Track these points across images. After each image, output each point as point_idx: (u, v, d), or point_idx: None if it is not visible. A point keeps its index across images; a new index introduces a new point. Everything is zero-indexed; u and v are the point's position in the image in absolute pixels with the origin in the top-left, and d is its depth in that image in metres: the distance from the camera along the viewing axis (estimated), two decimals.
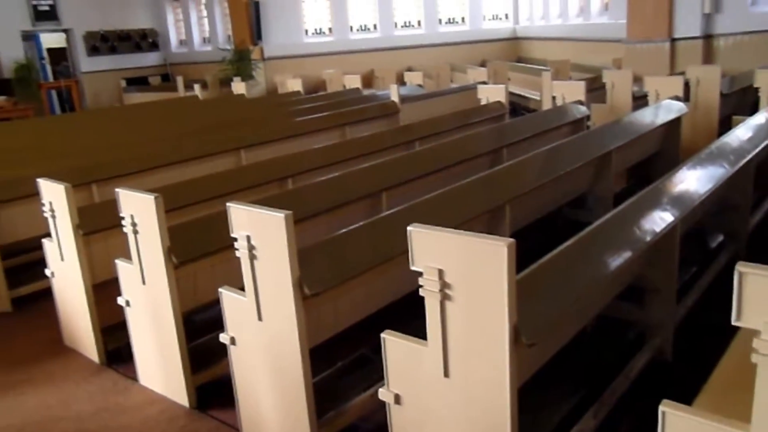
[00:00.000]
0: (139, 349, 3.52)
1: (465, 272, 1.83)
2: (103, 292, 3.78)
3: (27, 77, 13.57)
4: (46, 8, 14.42)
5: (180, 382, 3.28)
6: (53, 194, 3.67)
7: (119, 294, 3.48)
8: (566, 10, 13.08)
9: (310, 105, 8.54)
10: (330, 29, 14.66)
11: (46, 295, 4.33)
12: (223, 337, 2.88)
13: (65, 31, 15.07)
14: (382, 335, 2.15)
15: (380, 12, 14.62)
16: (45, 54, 15.26)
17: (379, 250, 2.92)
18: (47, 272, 3.98)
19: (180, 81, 12.80)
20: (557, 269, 2.28)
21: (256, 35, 13.75)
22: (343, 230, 2.97)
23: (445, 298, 1.89)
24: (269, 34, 14.02)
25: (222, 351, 3.02)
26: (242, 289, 2.78)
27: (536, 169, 4.04)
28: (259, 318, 2.67)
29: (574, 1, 12.98)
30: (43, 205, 3.76)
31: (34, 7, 14.25)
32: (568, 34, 12.87)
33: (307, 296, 2.53)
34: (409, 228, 1.96)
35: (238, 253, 2.65)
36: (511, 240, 1.73)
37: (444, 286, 1.88)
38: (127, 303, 3.44)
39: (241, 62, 13.27)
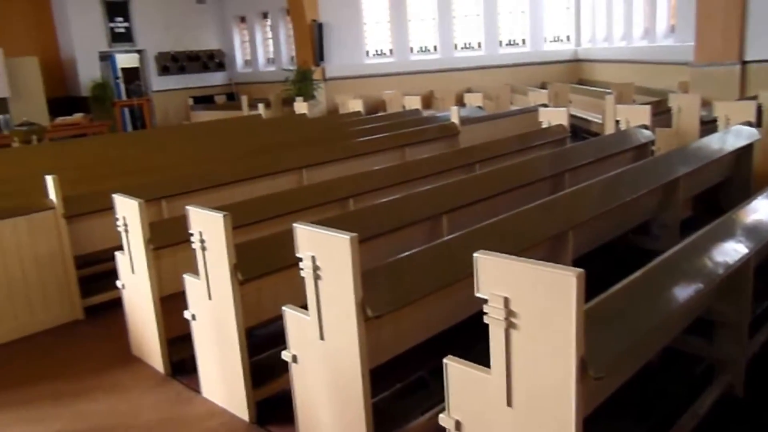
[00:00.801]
0: (202, 361, 3.61)
1: (532, 301, 1.83)
2: (170, 305, 3.91)
3: (102, 95, 14.27)
4: (122, 30, 15.20)
5: (241, 397, 3.35)
6: (127, 209, 3.84)
7: (185, 307, 3.59)
8: (630, 33, 12.87)
9: (370, 125, 8.65)
10: (390, 50, 14.84)
11: (116, 305, 4.51)
12: (285, 355, 2.93)
13: (139, 51, 15.84)
14: (445, 361, 2.15)
15: (440, 34, 14.72)
16: (119, 73, 16.03)
17: (441, 274, 2.93)
18: (118, 284, 4.15)
19: (244, 100, 13.17)
20: (626, 300, 2.24)
21: (319, 56, 14.04)
22: (406, 253, 3.00)
23: (510, 326, 1.89)
24: (331, 55, 14.30)
25: (282, 367, 3.07)
26: (304, 307, 2.84)
27: (600, 195, 3.99)
28: (321, 337, 2.71)
29: (639, 24, 12.77)
30: (117, 219, 3.93)
31: (112, 29, 15.06)
32: (631, 56, 12.65)
33: (369, 318, 2.56)
34: (475, 255, 1.97)
35: (302, 273, 2.71)
36: (580, 270, 1.72)
37: (509, 314, 1.88)
38: (193, 317, 3.54)
39: (303, 82, 13.56)
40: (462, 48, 15.11)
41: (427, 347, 3.05)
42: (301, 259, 2.72)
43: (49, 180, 4.68)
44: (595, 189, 4.10)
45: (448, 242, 3.24)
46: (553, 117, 7.18)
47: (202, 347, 3.58)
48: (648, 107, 6.48)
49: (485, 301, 1.95)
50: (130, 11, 15.31)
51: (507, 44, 15.20)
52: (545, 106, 9.15)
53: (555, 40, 15.42)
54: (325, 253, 2.60)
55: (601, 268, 3.54)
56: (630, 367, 2.42)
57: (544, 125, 7.18)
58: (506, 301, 1.87)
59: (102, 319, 4.81)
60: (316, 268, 2.64)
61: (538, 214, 3.68)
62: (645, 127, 6.20)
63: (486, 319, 1.94)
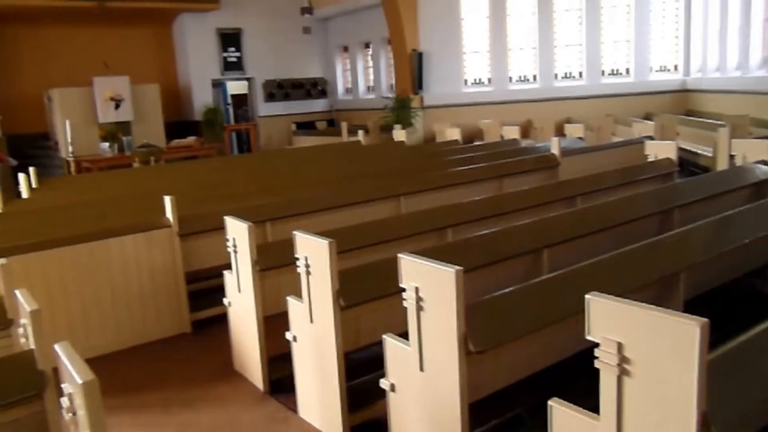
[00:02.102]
0: (300, 382, 3.71)
1: (648, 349, 1.77)
2: (272, 324, 4.06)
3: (213, 120, 15.12)
4: (234, 59, 16.10)
5: (337, 420, 3.41)
6: (237, 231, 4.03)
7: (287, 328, 3.71)
8: (746, 61, 12.23)
9: (467, 155, 8.65)
10: (489, 79, 14.81)
11: (220, 320, 4.73)
12: (383, 383, 2.97)
13: (248, 79, 16.68)
14: (550, 403, 2.11)
15: (540, 63, 14.56)
16: (229, 99, 16.95)
17: (545, 312, 2.89)
18: (225, 301, 4.34)
19: (344, 126, 13.52)
20: (754, 351, 2.12)
21: (417, 85, 14.22)
22: (509, 289, 2.98)
23: (623, 373, 1.84)
24: (430, 83, 14.45)
25: (379, 394, 3.11)
26: (402, 335, 2.87)
27: (715, 236, 3.80)
28: (421, 369, 2.73)
29: (757, 52, 12.11)
30: (227, 240, 4.13)
31: (225, 58, 16.00)
32: (747, 86, 12.00)
33: (471, 353, 2.56)
34: (587, 296, 1.93)
35: (405, 303, 2.75)
36: (704, 320, 1.66)
37: (623, 360, 1.83)
38: (294, 338, 3.66)
39: (401, 110, 13.77)
40: (562, 77, 14.87)
41: (526, 384, 3.00)
42: (403, 289, 2.76)
43: (167, 200, 4.99)
44: (709, 229, 3.92)
45: (551, 279, 3.19)
46: (661, 150, 6.93)
47: (301, 368, 3.68)
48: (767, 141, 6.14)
49: (596, 344, 1.91)
50: (242, 42, 16.19)
51: (609, 74, 14.83)
52: (650, 138, 8.84)
53: (661, 70, 14.89)
54: (428, 284, 2.63)
55: (715, 312, 3.38)
56: (756, 426, 2.28)
57: (651, 158, 6.93)
58: (620, 346, 1.83)
59: (207, 333, 5.04)
60: (419, 299, 2.68)
61: (647, 253, 3.56)
62: (764, 162, 5.87)
63: (597, 364, 1.90)
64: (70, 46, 14.57)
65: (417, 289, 2.68)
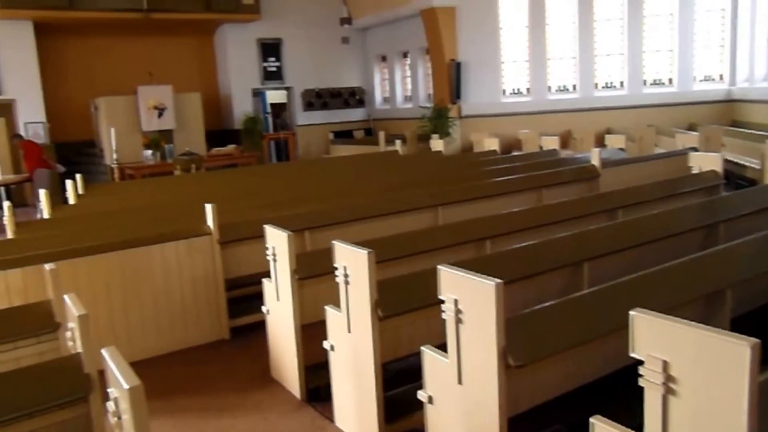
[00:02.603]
0: (337, 391, 3.73)
1: (695, 369, 1.73)
2: (309, 333, 4.08)
3: (253, 129, 15.35)
4: (274, 69, 16.34)
5: (373, 430, 3.41)
6: (277, 240, 4.07)
7: (324, 336, 3.73)
8: None
9: (505, 165, 8.60)
10: (528, 89, 14.71)
11: (258, 327, 4.78)
12: (421, 395, 2.96)
13: (287, 88, 16.89)
14: (592, 420, 2.08)
15: (581, 72, 14.40)
16: (269, 108, 17.19)
17: (586, 327, 2.85)
18: (263, 309, 4.39)
19: (382, 136, 13.57)
20: None
21: (455, 94, 14.21)
22: (550, 303, 2.95)
23: (668, 392, 1.80)
24: (468, 93, 14.42)
25: (416, 405, 3.10)
26: (439, 347, 2.86)
27: (763, 252, 3.70)
28: (459, 381, 2.72)
29: None
30: (266, 248, 4.18)
31: (265, 68, 16.25)
32: None
33: (510, 367, 2.54)
34: (631, 313, 1.90)
35: (444, 315, 2.74)
36: (755, 340, 1.61)
37: (668, 379, 1.79)
38: (332, 347, 3.67)
39: (439, 119, 13.76)
40: (602, 87, 14.69)
41: (566, 400, 2.96)
42: (442, 301, 2.75)
43: (209, 208, 5.07)
44: (756, 244, 3.82)
45: (593, 294, 3.14)
46: (705, 162, 6.77)
47: (338, 377, 3.69)
48: None
49: (640, 362, 1.88)
50: (282, 52, 16.42)
51: (652, 84, 14.59)
52: (695, 149, 8.66)
53: (705, 79, 14.59)
54: (468, 297, 2.62)
55: (763, 331, 3.28)
56: None
57: (695, 170, 6.79)
58: (665, 365, 1.79)
59: (245, 340, 5.10)
60: (458, 312, 2.67)
61: (691, 268, 3.48)
62: None
63: (641, 382, 1.86)
64: (115, 56, 14.96)
65: (456, 301, 2.67)
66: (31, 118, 13.48)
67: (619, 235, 4.54)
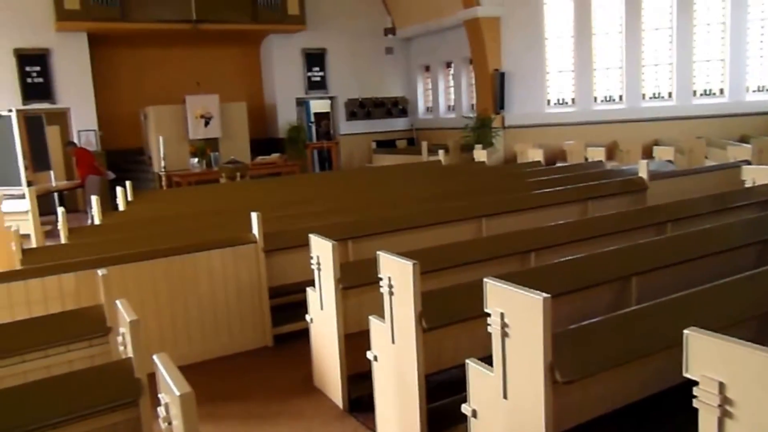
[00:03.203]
0: (380, 402, 3.72)
1: (754, 391, 1.68)
2: (352, 342, 4.10)
3: (296, 138, 15.55)
4: (318, 79, 16.54)
5: None
6: (321, 249, 4.11)
7: (367, 346, 3.73)
8: None
9: (550, 176, 8.50)
10: (573, 99, 14.54)
11: (301, 336, 4.82)
12: (465, 408, 2.93)
13: (330, 98, 17.07)
14: None
15: (627, 83, 14.16)
16: (312, 118, 17.39)
17: (636, 344, 2.79)
18: (307, 318, 4.42)
19: (424, 146, 13.59)
20: None
21: (499, 104, 14.14)
22: (599, 318, 2.90)
23: (725, 415, 1.75)
24: (511, 103, 14.33)
25: (460, 418, 3.07)
26: (485, 360, 2.83)
27: None
28: (505, 396, 2.69)
29: None
30: (311, 258, 4.22)
31: (309, 78, 16.46)
32: None
33: (558, 382, 2.50)
34: (686, 332, 1.86)
35: (489, 329, 2.71)
36: None
37: (725, 401, 1.74)
38: (375, 358, 3.67)
39: (482, 130, 13.71)
40: (650, 98, 14.41)
41: (612, 418, 2.90)
42: (488, 314, 2.73)
43: (254, 217, 5.15)
44: None
45: (643, 310, 3.07)
46: (759, 175, 6.58)
47: (381, 388, 3.69)
48: None
49: (694, 382, 1.83)
50: (326, 62, 16.61)
51: (701, 94, 14.24)
52: (748, 162, 8.41)
53: (759, 90, 14.17)
54: (515, 310, 2.59)
55: None
56: None
57: (748, 184, 6.59)
58: (721, 386, 1.74)
59: (288, 347, 5.14)
60: (504, 326, 2.64)
61: (744, 286, 3.38)
62: None
63: (696, 403, 1.81)
64: (165, 66, 15.36)
65: (502, 315, 2.64)
66: (84, 126, 13.93)
67: (668, 249, 4.43)
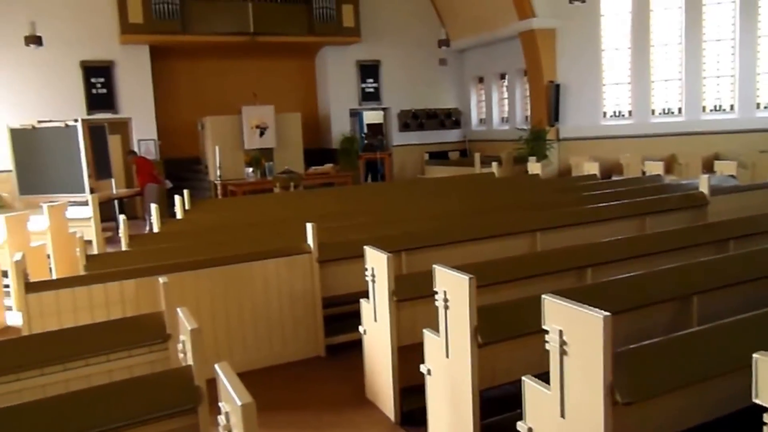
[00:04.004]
0: (433, 416, 3.70)
1: None
2: (405, 354, 4.10)
3: (349, 148, 15.69)
4: (372, 90, 16.69)
5: None
6: (376, 261, 4.13)
7: (420, 359, 3.72)
8: None
9: (606, 190, 8.33)
10: (630, 112, 14.24)
11: (353, 347, 4.84)
12: (521, 426, 2.89)
13: (384, 109, 17.20)
14: None
15: (687, 95, 13.79)
16: (365, 129, 17.53)
17: (700, 366, 2.70)
18: (360, 329, 4.45)
19: (477, 157, 13.52)
20: None
21: (554, 116, 13.98)
22: (661, 338, 2.82)
23: None
24: (566, 115, 14.15)
25: None
26: (541, 377, 2.79)
27: None
28: (562, 415, 2.64)
29: None
30: (366, 269, 4.24)
31: (363, 89, 16.63)
32: None
33: (618, 403, 2.44)
34: (755, 356, 1.79)
35: (547, 346, 2.68)
36: None
37: None
38: (429, 371, 3.66)
39: (536, 142, 13.56)
40: (711, 110, 13.99)
41: None
42: (546, 331, 2.69)
43: (309, 227, 5.21)
44: None
45: (707, 330, 2.98)
46: None
47: (434, 402, 3.67)
48: None
49: (764, 408, 1.76)
50: (380, 73, 16.75)
51: (765, 107, 13.74)
52: None
53: None
54: (574, 328, 2.55)
55: None
56: None
57: None
58: None
59: (340, 358, 5.17)
60: (562, 343, 2.60)
61: None
62: None
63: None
64: (222, 77, 15.75)
65: (561, 332, 2.60)
66: (144, 135, 14.40)
67: (731, 268, 4.29)
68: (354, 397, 4.49)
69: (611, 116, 14.36)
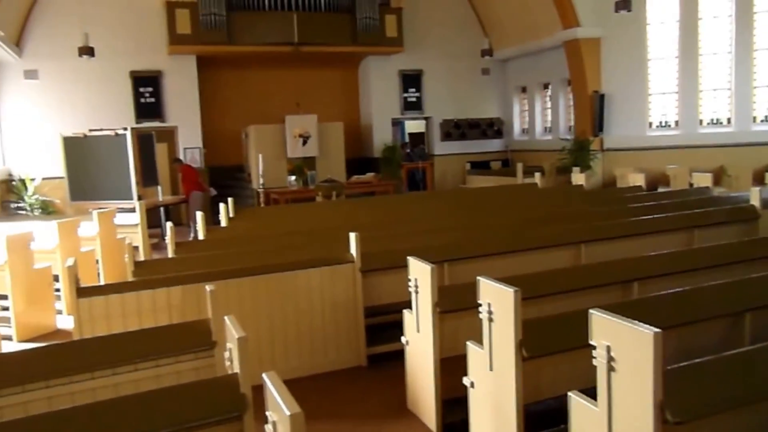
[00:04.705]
0: (475, 429, 3.67)
1: None
2: (447, 366, 4.08)
3: (391, 157, 15.72)
4: (414, 99, 16.74)
5: None
6: (419, 272, 4.13)
7: (462, 371, 3.70)
8: None
9: (652, 202, 8.17)
10: (676, 122, 13.92)
11: (394, 357, 4.84)
12: None
13: (426, 118, 17.21)
14: None
15: (737, 105, 13.42)
16: (407, 138, 17.56)
17: (754, 386, 2.62)
18: (403, 340, 4.44)
19: (519, 167, 13.39)
20: None
21: (598, 126, 13.77)
22: (714, 356, 2.75)
23: None
24: (611, 125, 13.92)
25: None
26: (587, 393, 2.75)
27: None
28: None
29: None
30: (409, 280, 4.24)
31: (405, 98, 16.68)
32: None
33: (668, 422, 2.39)
34: None
35: (595, 362, 2.63)
36: None
37: None
38: (472, 384, 3.64)
39: (580, 152, 13.38)
40: (761, 120, 13.57)
41: None
42: (593, 346, 2.65)
43: (352, 237, 5.24)
44: None
45: (761, 350, 2.89)
46: None
47: (476, 415, 3.64)
48: None
49: None
50: (422, 83, 16.77)
51: None
52: None
53: None
54: (622, 344, 2.50)
55: None
56: None
57: None
58: None
59: (381, 368, 5.17)
60: (610, 359, 2.55)
61: None
62: None
63: None
64: (266, 86, 15.98)
65: (609, 348, 2.56)
66: (190, 143, 14.70)
67: None
68: (395, 408, 4.48)
69: (657, 126, 14.07)
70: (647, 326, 2.40)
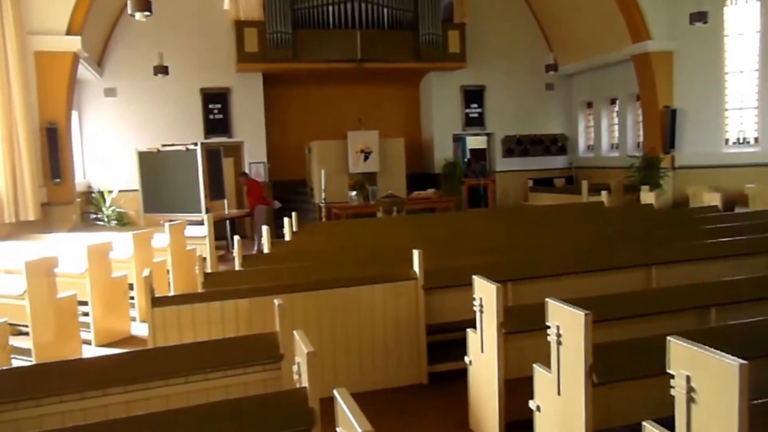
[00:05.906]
0: None
1: None
2: (511, 387, 4.00)
3: (452, 173, 15.64)
4: (476, 115, 16.64)
5: None
6: (484, 291, 4.07)
7: (527, 393, 3.62)
8: None
9: (730, 224, 7.83)
10: (756, 139, 13.31)
11: (456, 376, 4.78)
12: None
13: (487, 134, 17.07)
14: None
15: None
16: (468, 154, 17.46)
17: None
18: (466, 359, 4.38)
19: (584, 185, 13.10)
20: None
21: (669, 143, 13.33)
22: None
23: None
24: (683, 142, 13.46)
25: None
26: (661, 423, 2.63)
27: None
28: None
29: None
30: (473, 299, 4.19)
31: (467, 114, 16.61)
32: None
33: None
34: None
35: (672, 392, 2.53)
36: None
37: None
38: (538, 408, 3.55)
39: (649, 170, 12.97)
40: None
41: None
42: (670, 375, 2.54)
43: (416, 254, 5.22)
44: None
45: None
46: None
47: None
48: None
49: None
50: (484, 98, 16.67)
51: None
52: None
53: None
54: (704, 375, 2.39)
55: None
56: None
57: None
58: None
59: (442, 387, 5.12)
60: (690, 390, 2.44)
61: None
62: None
63: None
64: (329, 103, 16.22)
65: (688, 378, 2.45)
66: (255, 158, 15.06)
67: None
68: (456, 428, 4.42)
69: (734, 143, 13.49)
70: (731, 357, 2.29)
